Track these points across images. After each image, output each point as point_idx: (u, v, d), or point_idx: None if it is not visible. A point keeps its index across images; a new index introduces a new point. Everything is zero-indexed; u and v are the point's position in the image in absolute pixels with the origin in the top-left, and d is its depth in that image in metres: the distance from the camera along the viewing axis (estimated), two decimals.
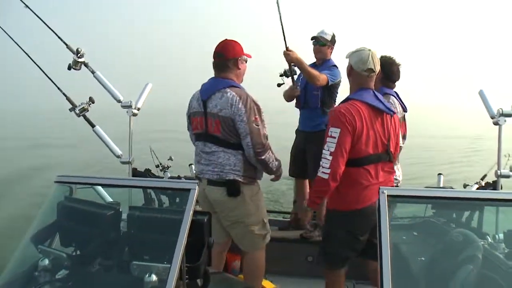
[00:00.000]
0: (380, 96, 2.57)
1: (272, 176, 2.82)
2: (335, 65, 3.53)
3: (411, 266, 2.04)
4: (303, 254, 3.50)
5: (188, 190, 1.75)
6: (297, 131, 3.77)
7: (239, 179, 2.60)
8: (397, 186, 2.93)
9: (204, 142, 2.68)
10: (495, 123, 3.24)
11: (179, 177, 3.69)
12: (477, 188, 3.57)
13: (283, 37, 3.32)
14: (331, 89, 3.49)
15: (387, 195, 1.65)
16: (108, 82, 3.35)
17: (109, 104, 3.41)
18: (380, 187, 1.71)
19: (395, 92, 3.13)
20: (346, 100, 2.55)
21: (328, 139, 2.43)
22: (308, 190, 3.74)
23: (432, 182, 4.58)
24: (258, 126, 2.57)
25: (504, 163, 3.28)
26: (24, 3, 3.31)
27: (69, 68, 3.24)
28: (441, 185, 4.04)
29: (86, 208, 2.07)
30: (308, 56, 3.62)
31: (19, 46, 3.31)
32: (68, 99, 3.24)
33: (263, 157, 2.60)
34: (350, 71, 2.56)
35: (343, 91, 3.49)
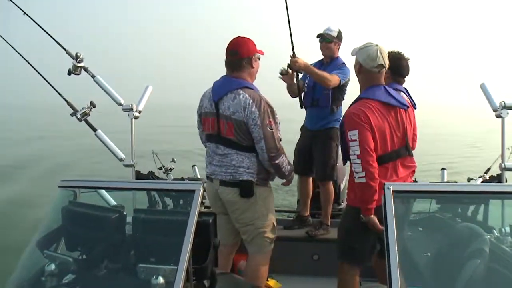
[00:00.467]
0: (392, 91, 2.51)
1: (284, 180, 2.79)
2: (344, 63, 3.47)
3: (418, 261, 2.03)
4: (308, 252, 3.49)
5: (193, 191, 1.75)
6: (303, 129, 3.71)
7: (253, 180, 2.56)
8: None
9: (216, 144, 2.62)
10: (498, 116, 3.22)
11: (182, 179, 3.68)
12: (482, 182, 3.55)
13: (291, 44, 3.26)
14: (341, 87, 3.44)
15: (393, 191, 1.64)
16: (109, 86, 3.34)
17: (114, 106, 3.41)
18: (385, 183, 1.70)
19: (405, 88, 3.10)
20: (357, 100, 2.49)
21: (350, 144, 2.37)
22: (311, 188, 3.73)
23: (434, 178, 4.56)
24: (272, 129, 2.51)
25: (507, 156, 3.27)
26: (23, 10, 3.31)
27: (69, 73, 3.23)
28: (445, 180, 4.02)
29: (91, 212, 2.08)
30: (316, 55, 3.59)
31: (20, 54, 3.31)
32: (69, 104, 3.23)
33: (277, 162, 2.56)
34: (360, 69, 2.50)
35: (349, 87, 3.47)
